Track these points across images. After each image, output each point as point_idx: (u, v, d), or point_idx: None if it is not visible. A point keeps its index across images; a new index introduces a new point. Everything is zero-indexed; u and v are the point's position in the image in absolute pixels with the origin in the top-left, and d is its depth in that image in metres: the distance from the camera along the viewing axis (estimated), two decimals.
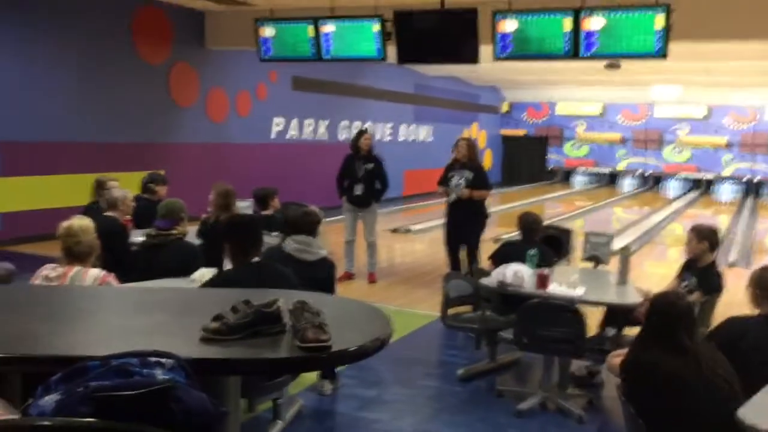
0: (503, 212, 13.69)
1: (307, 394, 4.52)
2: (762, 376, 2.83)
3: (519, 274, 4.63)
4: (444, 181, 7.24)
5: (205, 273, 4.22)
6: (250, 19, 8.81)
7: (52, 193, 9.04)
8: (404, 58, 8.41)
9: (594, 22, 7.26)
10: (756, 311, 3.41)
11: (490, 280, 4.80)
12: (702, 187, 21.91)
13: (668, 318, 2.84)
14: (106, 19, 9.82)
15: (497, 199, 16.84)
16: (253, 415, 4.03)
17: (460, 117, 20.16)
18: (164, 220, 4.81)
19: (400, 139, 17.47)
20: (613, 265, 5.33)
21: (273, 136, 13.27)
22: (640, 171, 22.92)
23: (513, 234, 5.91)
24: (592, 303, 4.57)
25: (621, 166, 23.16)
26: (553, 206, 17.30)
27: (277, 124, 13.33)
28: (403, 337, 5.82)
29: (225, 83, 11.96)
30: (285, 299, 2.18)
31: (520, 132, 23.94)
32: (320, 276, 4.29)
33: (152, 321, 2.32)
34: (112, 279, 3.57)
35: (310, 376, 4.59)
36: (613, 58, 8.45)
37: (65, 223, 3.59)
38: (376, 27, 8.03)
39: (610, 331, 4.81)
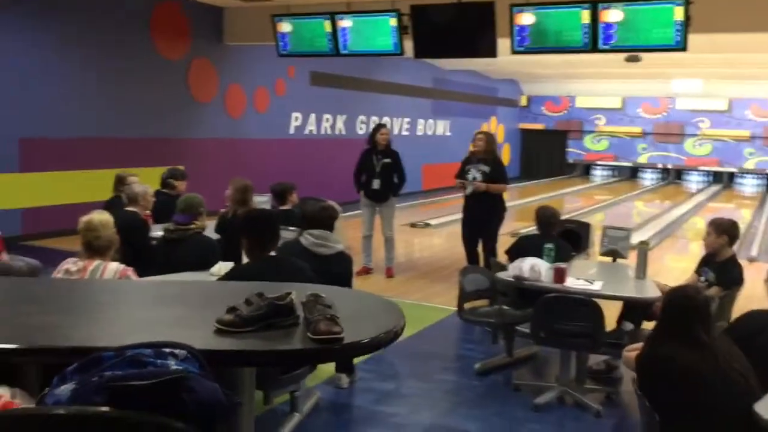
0: (522, 206, 13.63)
1: (324, 387, 4.54)
2: None
3: (536, 268, 4.61)
4: (461, 174, 7.22)
5: (222, 267, 4.26)
6: (268, 14, 8.85)
7: (73, 189, 9.14)
8: (421, 52, 8.41)
9: (612, 15, 7.21)
10: None
11: (507, 274, 4.79)
12: (723, 181, 21.67)
13: (684, 312, 2.82)
14: (125, 15, 9.91)
15: (515, 193, 16.77)
16: (270, 407, 4.06)
17: (478, 111, 20.09)
18: (183, 214, 4.86)
19: (418, 133, 17.45)
20: (631, 259, 5.29)
21: (291, 131, 13.31)
22: (661, 164, 22.70)
23: (531, 228, 5.89)
24: (609, 297, 4.54)
25: (642, 159, 22.97)
26: (572, 200, 17.20)
27: (296, 119, 13.38)
28: (420, 331, 5.84)
29: (243, 79, 12.02)
30: (298, 292, 2.20)
31: (539, 126, 23.79)
32: (337, 270, 4.30)
33: (168, 313, 2.35)
34: (131, 273, 3.61)
35: (328, 370, 4.62)
36: (632, 51, 8.37)
37: (85, 218, 3.64)
38: (392, 21, 8.04)
39: (628, 326, 4.78)
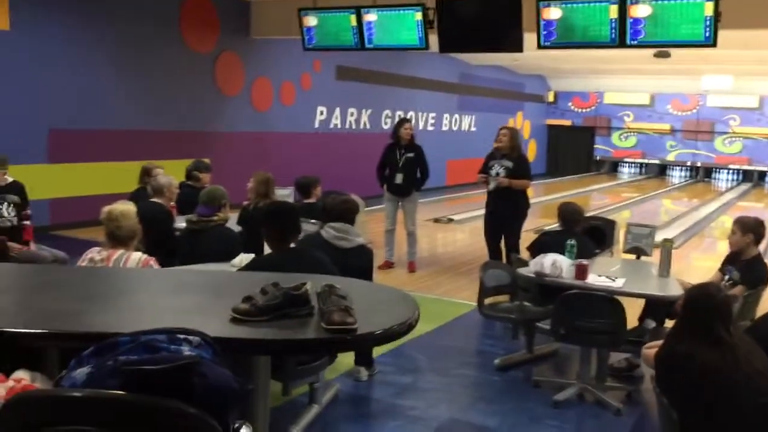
0: (547, 203, 13.54)
1: (344, 379, 4.56)
2: None
3: (557, 264, 4.58)
4: (485, 170, 7.19)
5: (244, 258, 4.30)
6: (295, 8, 8.88)
7: (100, 180, 9.27)
8: (446, 46, 8.37)
9: (641, 10, 7.10)
10: None
11: (528, 270, 4.76)
12: (753, 179, 21.33)
13: (705, 310, 2.78)
14: (154, 9, 10.01)
15: (541, 189, 16.68)
16: (289, 398, 4.09)
17: (504, 106, 19.97)
18: (206, 206, 4.91)
19: (444, 128, 17.40)
20: (655, 257, 5.24)
21: (316, 125, 13.36)
22: (689, 162, 22.41)
23: (556, 225, 5.86)
24: (631, 294, 4.50)
25: (670, 157, 22.68)
26: (599, 197, 17.06)
27: (321, 113, 13.42)
28: (441, 326, 5.84)
29: (270, 73, 12.08)
30: (313, 283, 2.21)
31: (566, 122, 23.59)
32: (357, 263, 4.30)
33: (186, 301, 2.38)
34: (153, 262, 3.66)
35: (347, 362, 4.64)
36: (661, 47, 8.26)
37: (106, 208, 3.69)
38: (418, 15, 8.00)
39: (650, 324, 4.74)
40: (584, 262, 4.60)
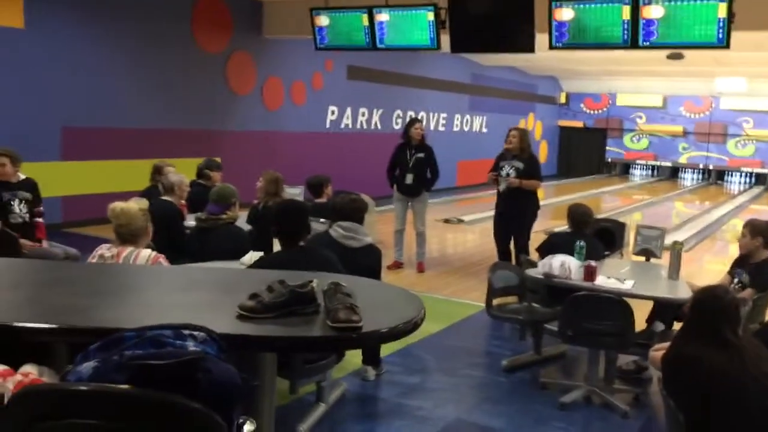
0: (558, 204, 13.49)
1: (351, 378, 4.57)
2: None
3: (565, 265, 4.57)
4: (495, 171, 7.18)
5: (254, 257, 4.31)
6: (307, 8, 8.90)
7: (111, 178, 9.32)
8: (458, 47, 8.36)
9: (653, 11, 7.07)
10: None
11: (537, 271, 4.76)
12: (766, 182, 21.18)
13: (712, 312, 2.77)
14: (167, 8, 10.06)
15: (552, 191, 16.64)
16: (296, 397, 4.10)
17: (516, 107, 19.93)
18: (216, 205, 4.94)
19: (455, 129, 17.38)
20: (665, 259, 5.21)
21: (327, 125, 13.38)
22: (702, 165, 22.27)
23: (566, 227, 5.85)
24: (639, 296, 4.48)
25: (682, 159, 22.56)
26: (610, 199, 17.00)
27: (332, 113, 13.44)
28: (449, 327, 5.84)
29: (281, 72, 12.11)
30: (320, 281, 2.22)
31: (578, 123, 23.51)
32: (365, 263, 4.31)
33: (194, 298, 2.39)
34: (162, 260, 3.67)
35: (354, 362, 4.64)
36: (673, 48, 8.22)
37: (110, 206, 3.70)
38: (430, 15, 8.00)
39: (659, 326, 4.72)
40: (593, 263, 4.59)
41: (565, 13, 7.43)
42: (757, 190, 20.40)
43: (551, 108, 22.78)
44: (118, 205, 3.67)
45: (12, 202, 5.80)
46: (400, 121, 14.92)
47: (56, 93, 8.90)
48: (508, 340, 5.59)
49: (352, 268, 3.68)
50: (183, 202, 5.90)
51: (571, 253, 4.76)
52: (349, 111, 13.84)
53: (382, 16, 8.37)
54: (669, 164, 22.76)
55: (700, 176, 22.44)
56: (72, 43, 9.02)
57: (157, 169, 6.65)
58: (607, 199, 16.96)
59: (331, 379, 4.17)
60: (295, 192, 6.59)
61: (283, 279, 2.17)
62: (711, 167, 22.15)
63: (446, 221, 11.65)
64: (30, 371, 1.86)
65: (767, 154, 21.23)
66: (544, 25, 7.45)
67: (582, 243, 4.84)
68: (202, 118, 10.82)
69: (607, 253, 5.66)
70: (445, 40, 8.10)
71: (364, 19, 8.42)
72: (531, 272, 4.84)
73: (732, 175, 21.99)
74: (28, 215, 5.90)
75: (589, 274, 4.53)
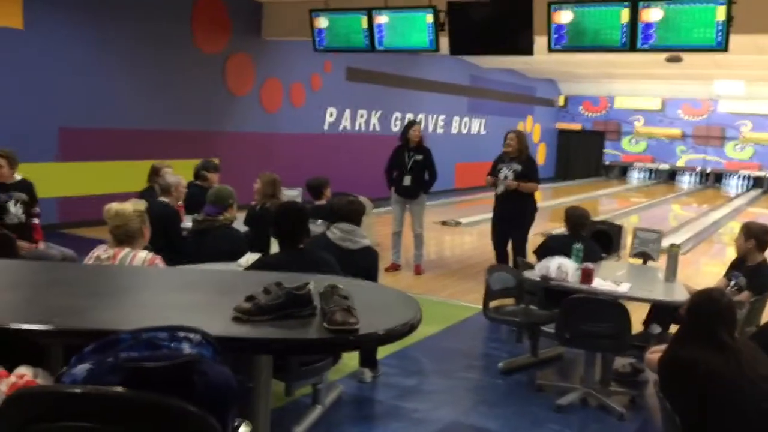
0: (557, 207, 13.49)
1: (347, 380, 4.57)
2: None
3: (563, 268, 4.57)
4: (493, 173, 7.19)
5: (251, 258, 4.30)
6: (306, 9, 8.90)
7: (109, 179, 9.31)
8: (457, 49, 8.38)
9: (652, 14, 7.08)
10: None
11: (534, 274, 4.76)
12: (764, 185, 21.20)
13: (708, 314, 2.78)
14: (166, 8, 10.06)
15: (550, 193, 16.65)
16: (292, 399, 4.09)
17: (514, 110, 19.94)
18: (213, 206, 4.93)
19: (453, 131, 17.39)
20: (662, 262, 5.22)
21: (326, 126, 13.37)
22: (699, 168, 22.30)
23: (563, 229, 5.85)
24: (636, 299, 4.49)
25: (680, 162, 22.58)
26: (608, 202, 17.01)
27: (330, 114, 13.43)
28: (446, 329, 5.84)
29: (280, 73, 12.10)
30: (317, 283, 2.22)
31: (576, 126, 23.53)
32: (363, 265, 4.32)
33: (190, 300, 2.39)
34: (159, 261, 3.66)
35: (351, 364, 4.64)
36: (672, 51, 8.23)
37: (106, 207, 3.68)
38: (429, 18, 8.01)
39: (656, 329, 4.72)
40: (590, 266, 4.59)
41: (564, 16, 7.44)
42: (754, 193, 20.43)
43: (550, 111, 22.80)
44: (113, 206, 3.65)
45: (8, 203, 5.79)
46: (398, 123, 14.92)
47: (54, 93, 8.89)
48: (504, 343, 5.59)
49: (349, 270, 3.69)
50: (180, 203, 5.89)
51: (568, 256, 4.76)
52: (347, 113, 13.84)
53: (382, 18, 8.37)
54: (667, 167, 22.78)
55: (698, 179, 22.46)
56: (70, 44, 9.01)
57: (155, 170, 6.64)
58: (604, 202, 16.97)
59: (328, 382, 4.16)
60: (293, 194, 6.58)
61: (279, 281, 2.17)
62: (709, 170, 22.18)
63: (443, 223, 11.64)
64: (24, 373, 1.86)
65: (765, 157, 21.26)
66: (543, 27, 7.46)
67: (579, 245, 4.85)
68: (200, 119, 10.82)
69: (603, 255, 5.66)
70: (444, 42, 8.11)
71: (364, 21, 8.43)
72: (528, 274, 4.84)
73: (730, 178, 22.01)
74: (24, 216, 5.89)
75: (586, 276, 4.53)
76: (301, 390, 4.09)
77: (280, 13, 11.11)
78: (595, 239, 5.75)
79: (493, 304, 5.08)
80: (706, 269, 8.85)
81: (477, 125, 18.41)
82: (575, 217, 5.32)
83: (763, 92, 19.80)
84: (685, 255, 7.07)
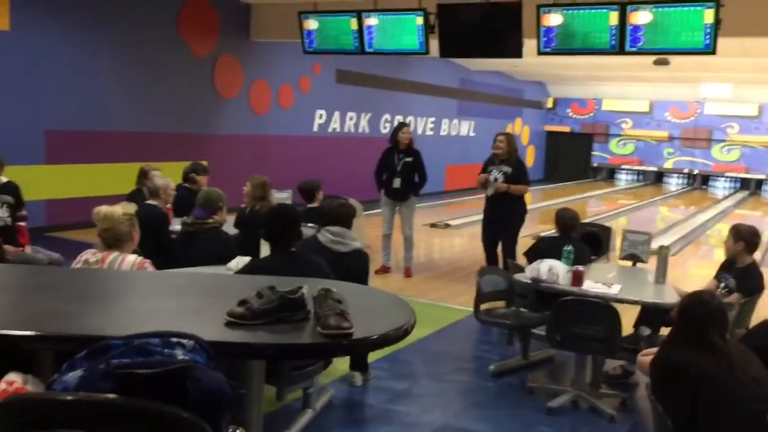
0: (545, 209, 13.54)
1: (338, 384, 4.55)
2: None
3: (553, 270, 4.58)
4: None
5: (240, 262, 4.28)
6: (295, 11, 8.88)
7: (97, 181, 9.25)
8: (447, 51, 8.39)
9: (641, 17, 7.12)
10: None
11: (525, 276, 4.76)
12: (751, 188, 21.36)
13: (699, 317, 2.79)
14: (153, 11, 10.00)
15: (539, 195, 16.69)
16: (282, 403, 4.07)
17: (503, 112, 19.99)
18: (202, 209, 4.90)
19: (443, 133, 17.41)
20: (652, 263, 5.24)
21: (315, 129, 13.35)
22: (687, 170, 22.43)
23: (553, 231, 5.87)
24: (626, 301, 4.50)
25: (668, 164, 22.71)
26: (596, 204, 17.09)
27: (320, 116, 13.41)
28: (436, 331, 5.83)
29: (269, 75, 12.07)
30: (310, 287, 2.20)
31: (565, 128, 23.62)
32: (353, 268, 4.30)
33: (181, 304, 2.37)
34: (148, 265, 3.62)
35: (342, 367, 4.62)
36: (660, 54, 8.28)
37: (94, 210, 3.65)
38: (419, 20, 8.01)
39: (646, 331, 4.73)
40: (580, 268, 4.60)
41: (554, 19, 7.47)
42: (741, 195, 20.57)
43: (538, 113, 22.88)
44: (102, 209, 3.61)
45: None
46: (388, 125, 14.92)
47: (41, 96, 8.81)
48: (495, 345, 5.59)
49: (340, 273, 3.67)
50: (168, 206, 5.85)
51: (559, 258, 4.77)
52: (337, 115, 13.82)
53: (371, 20, 8.37)
54: (654, 169, 22.90)
55: (685, 181, 22.59)
56: (57, 46, 8.94)
57: (144, 173, 6.59)
58: (592, 204, 17.04)
59: (318, 386, 4.14)
60: (283, 196, 6.55)
61: (272, 285, 2.15)
62: (696, 172, 22.32)
63: (433, 225, 11.65)
64: (14, 380, 1.83)
65: (752, 159, 21.42)
66: (533, 30, 7.48)
67: (570, 247, 4.85)
68: (188, 121, 10.76)
69: (593, 257, 5.68)
70: (434, 44, 8.12)
71: (353, 23, 8.41)
72: (519, 277, 4.84)
73: (717, 180, 22.15)
74: (10, 219, 5.84)
75: (577, 278, 4.54)
76: (292, 394, 4.07)
77: (269, 14, 11.07)
78: (585, 241, 5.77)
79: (483, 306, 5.08)
80: (694, 271, 8.89)
81: (466, 127, 18.44)
82: (566, 220, 5.33)
83: (749, 95, 19.96)
84: (673, 257, 7.06)
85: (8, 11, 8.39)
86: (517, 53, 7.82)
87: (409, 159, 7.68)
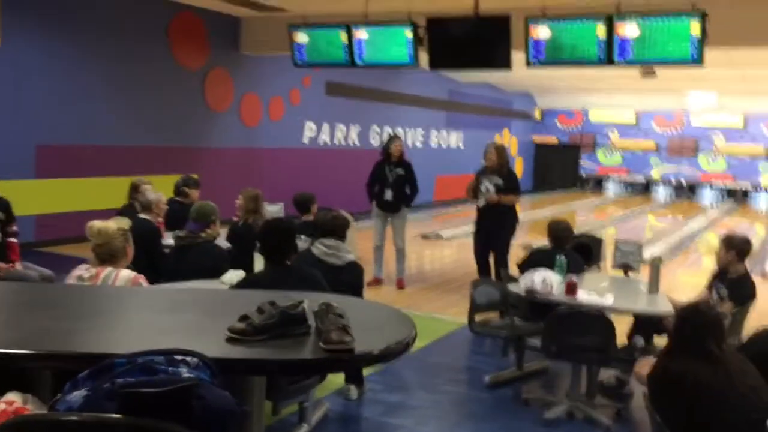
0: (534, 219, 13.59)
1: (333, 398, 4.53)
2: None
3: (547, 281, 4.59)
4: (475, 186, 7.22)
5: (234, 275, 4.28)
6: (285, 25, 8.90)
7: (88, 196, 9.20)
8: (436, 64, 8.44)
9: (628, 29, 7.19)
10: None
11: (518, 287, 4.77)
12: (738, 197, 21.53)
13: (697, 327, 2.81)
14: (143, 25, 9.99)
15: (528, 205, 16.75)
16: (278, 418, 4.05)
17: (492, 123, 20.09)
18: (195, 223, 4.89)
19: (432, 145, 17.46)
20: (643, 273, 5.27)
21: (305, 141, 13.35)
22: (674, 179, 22.58)
23: (542, 241, 5.89)
24: (622, 311, 4.52)
25: (655, 174, 22.85)
26: (584, 214, 17.15)
27: (310, 129, 13.41)
28: (430, 343, 5.82)
29: (259, 88, 12.07)
30: (310, 301, 2.20)
31: (553, 139, 23.75)
32: (348, 280, 4.31)
33: (181, 321, 2.35)
34: (142, 280, 3.61)
35: (337, 380, 4.61)
36: (648, 65, 8.34)
37: (88, 224, 3.62)
38: (408, 33, 8.05)
39: (639, 341, 4.75)
40: (574, 278, 4.61)
41: (542, 31, 7.53)
42: (729, 204, 20.72)
43: (526, 124, 23.00)
44: (96, 224, 3.59)
45: None
46: (377, 137, 14.95)
47: (31, 110, 8.77)
48: (490, 356, 5.59)
49: (334, 286, 3.67)
50: (160, 219, 5.83)
51: (552, 268, 4.78)
52: (326, 127, 13.83)
53: (361, 33, 8.39)
54: (642, 179, 23.04)
55: (673, 191, 22.74)
56: (48, 60, 8.91)
57: (135, 187, 6.56)
58: (581, 214, 17.11)
59: (314, 399, 4.13)
60: (275, 209, 6.55)
61: (273, 300, 2.15)
62: (683, 182, 22.47)
63: (424, 237, 11.65)
64: (14, 400, 1.81)
65: (739, 168, 21.60)
66: (521, 42, 7.53)
67: (563, 258, 4.87)
68: (179, 134, 10.74)
69: (585, 267, 5.70)
70: (424, 57, 8.15)
71: (343, 36, 8.44)
72: (513, 288, 4.85)
73: (704, 190, 22.31)
74: (0, 235, 5.78)
75: (571, 289, 4.55)
76: (288, 408, 4.06)
77: (259, 28, 11.09)
78: (576, 252, 5.78)
79: (478, 317, 5.08)
80: (683, 279, 8.94)
81: (455, 139, 18.51)
82: (558, 231, 5.35)
83: (735, 105, 20.15)
84: (662, 266, 7.12)
85: (0, 27, 8.36)
86: (506, 65, 7.87)
87: (400, 171, 7.70)
